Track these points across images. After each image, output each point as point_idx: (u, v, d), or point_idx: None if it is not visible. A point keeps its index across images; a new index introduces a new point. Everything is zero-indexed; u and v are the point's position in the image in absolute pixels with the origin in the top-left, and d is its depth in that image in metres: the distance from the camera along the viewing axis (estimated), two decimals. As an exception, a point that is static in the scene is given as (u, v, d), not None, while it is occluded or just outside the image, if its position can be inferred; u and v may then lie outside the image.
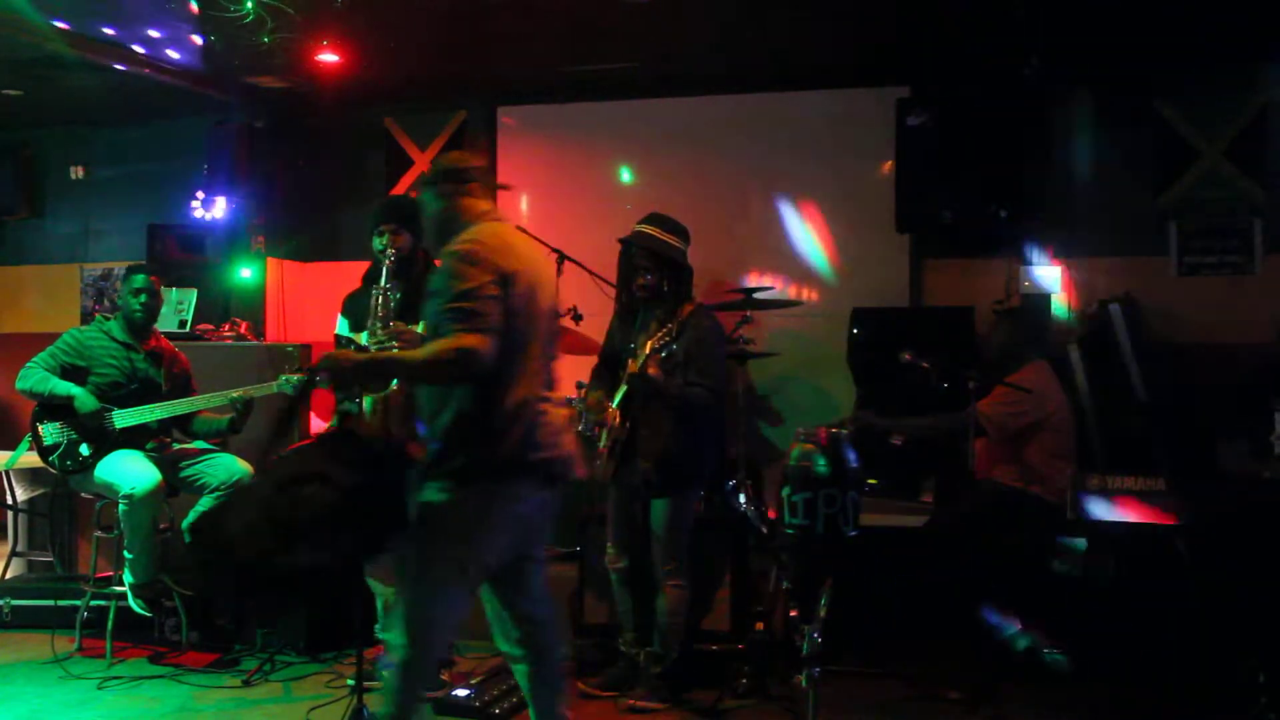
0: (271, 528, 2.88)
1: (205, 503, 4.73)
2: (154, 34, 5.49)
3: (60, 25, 5.37)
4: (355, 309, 4.41)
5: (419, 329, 4.26)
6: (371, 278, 4.30)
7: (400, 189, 6.91)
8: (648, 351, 4.09)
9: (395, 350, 3.37)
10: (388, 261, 4.15)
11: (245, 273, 6.75)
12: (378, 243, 4.28)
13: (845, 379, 5.94)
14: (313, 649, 4.92)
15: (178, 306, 6.62)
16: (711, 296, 5.44)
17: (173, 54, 5.82)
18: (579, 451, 3.23)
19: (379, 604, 4.39)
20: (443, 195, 3.21)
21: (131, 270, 5.09)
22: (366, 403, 4.01)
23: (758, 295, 5.26)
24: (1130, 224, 5.94)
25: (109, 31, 5.54)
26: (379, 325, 4.01)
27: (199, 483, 4.83)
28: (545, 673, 3.21)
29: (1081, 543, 4.76)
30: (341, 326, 4.51)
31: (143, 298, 4.96)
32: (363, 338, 4.37)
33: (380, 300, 4.01)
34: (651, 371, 4.11)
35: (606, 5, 5.17)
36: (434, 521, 2.97)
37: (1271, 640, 3.91)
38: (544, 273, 3.23)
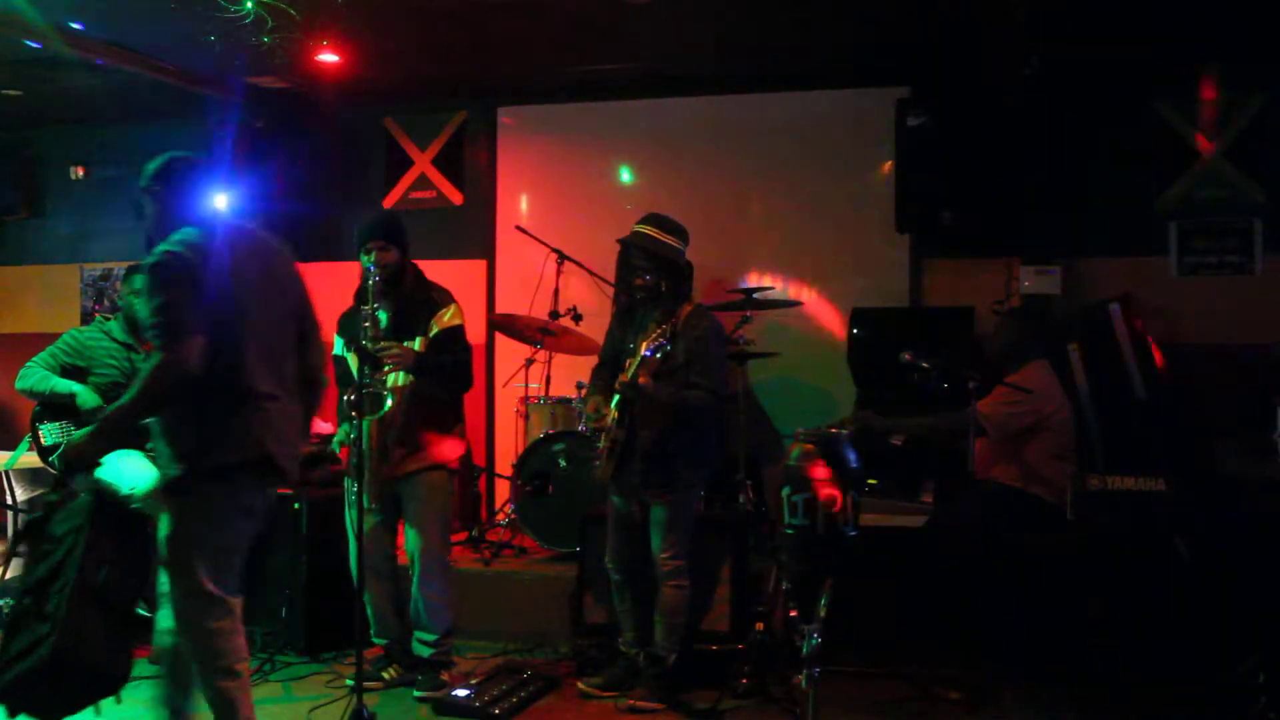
0: (120, 625, 3.11)
1: None
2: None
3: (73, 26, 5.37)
4: (349, 328, 4.39)
5: (415, 345, 4.27)
6: (362, 296, 4.23)
7: (400, 189, 6.92)
8: (643, 352, 4.09)
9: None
10: (373, 280, 4.13)
11: (245, 273, 6.73)
12: (365, 260, 4.26)
13: (845, 379, 5.93)
14: (313, 649, 4.91)
15: (178, 307, 6.61)
16: (711, 296, 5.45)
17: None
18: (296, 451, 3.25)
19: (369, 611, 4.40)
20: (156, 198, 3.18)
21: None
22: (364, 424, 4.01)
23: (758, 295, 5.26)
24: (1130, 224, 5.94)
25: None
26: (370, 346, 4.02)
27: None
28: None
29: None
30: (337, 346, 4.47)
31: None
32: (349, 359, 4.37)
33: (370, 322, 4.01)
34: (641, 380, 4.11)
35: (606, 5, 5.17)
36: (167, 537, 3.06)
37: (1271, 640, 3.91)
38: (269, 265, 3.22)
